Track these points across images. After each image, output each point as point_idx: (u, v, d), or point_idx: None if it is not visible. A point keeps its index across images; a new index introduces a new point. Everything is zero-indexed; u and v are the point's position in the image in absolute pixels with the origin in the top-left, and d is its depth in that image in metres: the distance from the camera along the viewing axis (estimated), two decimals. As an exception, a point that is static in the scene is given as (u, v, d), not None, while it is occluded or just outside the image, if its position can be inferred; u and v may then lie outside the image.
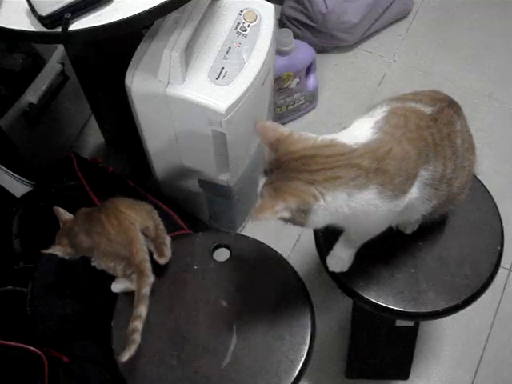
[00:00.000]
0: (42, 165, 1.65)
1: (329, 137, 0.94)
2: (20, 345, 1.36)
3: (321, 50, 2.00)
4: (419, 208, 1.03)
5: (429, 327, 1.61)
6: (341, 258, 1.15)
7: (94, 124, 1.93)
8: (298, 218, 0.91)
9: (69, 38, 1.05)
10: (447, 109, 1.01)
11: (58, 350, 1.42)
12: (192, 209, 1.66)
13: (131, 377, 1.10)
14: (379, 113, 0.98)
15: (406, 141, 0.94)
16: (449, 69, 1.98)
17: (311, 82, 1.86)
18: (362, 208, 0.93)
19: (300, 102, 1.87)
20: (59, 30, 1.04)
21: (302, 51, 1.76)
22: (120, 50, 1.42)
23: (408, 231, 1.18)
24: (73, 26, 1.04)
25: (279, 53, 1.70)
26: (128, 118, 1.49)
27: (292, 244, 1.74)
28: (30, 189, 1.60)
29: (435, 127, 0.98)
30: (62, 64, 1.67)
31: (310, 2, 1.92)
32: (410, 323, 1.42)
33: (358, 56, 2.05)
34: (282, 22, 2.05)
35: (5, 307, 1.50)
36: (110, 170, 1.60)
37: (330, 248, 1.17)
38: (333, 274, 1.18)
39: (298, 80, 1.79)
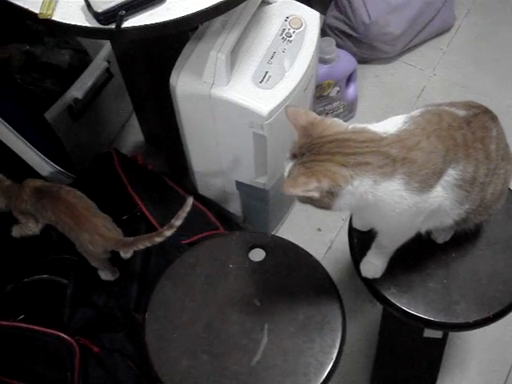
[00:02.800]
0: (83, 159, 1.69)
1: (360, 125, 0.97)
2: (54, 332, 1.40)
3: (361, 61, 2.01)
4: (450, 212, 1.04)
5: (456, 341, 1.61)
6: (374, 264, 1.17)
7: (134, 122, 1.97)
8: (325, 199, 0.92)
9: (121, 35, 1.09)
10: (482, 114, 1.03)
11: (90, 340, 1.46)
12: (226, 210, 1.69)
13: (162, 368, 1.12)
14: (414, 112, 1.01)
15: (435, 137, 0.96)
16: (488, 85, 1.98)
17: (351, 91, 1.88)
18: (387, 198, 0.94)
19: (339, 111, 1.89)
20: (113, 26, 1.07)
21: (344, 60, 1.78)
22: (165, 51, 1.45)
23: (440, 240, 1.18)
24: (126, 24, 1.08)
25: (321, 61, 1.72)
26: (169, 118, 1.52)
27: (324, 251, 1.75)
28: (70, 182, 1.63)
29: (468, 129, 1.00)
30: (108, 62, 1.71)
31: (353, 13, 1.94)
32: (439, 335, 1.42)
33: (399, 68, 2.06)
34: (324, 31, 2.07)
35: (40, 295, 1.55)
36: (150, 167, 1.63)
37: (363, 254, 1.18)
38: (365, 280, 1.19)
39: (338, 89, 1.81)
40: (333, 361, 1.12)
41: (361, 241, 1.21)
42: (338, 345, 1.14)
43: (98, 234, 1.34)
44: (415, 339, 1.42)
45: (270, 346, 1.13)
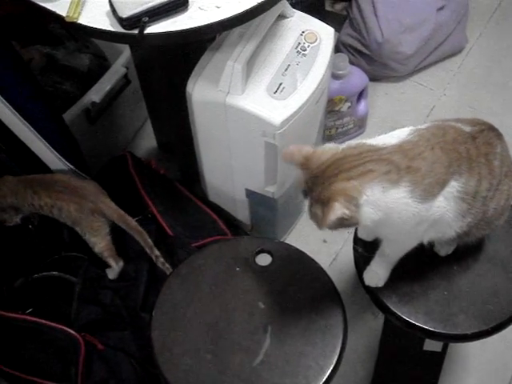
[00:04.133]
0: (97, 162, 1.74)
1: (354, 142, 1.01)
2: (60, 326, 1.43)
3: (373, 78, 2.05)
4: (453, 224, 1.06)
5: (456, 356, 1.63)
6: (377, 273, 1.19)
7: (149, 129, 2.01)
8: (354, 214, 0.94)
9: (144, 40, 1.13)
10: (487, 131, 1.07)
11: (95, 337, 1.49)
12: (235, 217, 1.72)
13: (165, 365, 1.15)
14: (420, 126, 1.06)
15: (439, 148, 1.00)
16: (498, 107, 2.01)
17: (362, 107, 1.92)
18: (395, 206, 0.97)
19: (349, 126, 1.93)
20: (136, 32, 1.12)
21: (356, 77, 1.82)
22: (183, 60, 1.50)
23: (442, 253, 1.21)
24: (148, 30, 1.12)
25: (334, 76, 1.76)
26: (183, 126, 1.56)
27: (329, 262, 1.78)
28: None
29: (473, 144, 1.03)
30: (126, 68, 1.76)
31: (367, 31, 1.99)
32: (438, 348, 1.45)
33: (409, 87, 2.10)
34: (338, 47, 2.11)
35: (49, 291, 1.58)
36: (162, 172, 1.68)
37: (367, 263, 1.21)
38: (368, 288, 1.22)
39: (349, 104, 1.85)
40: (333, 365, 1.15)
41: (365, 250, 1.24)
42: (338, 350, 1.17)
43: (102, 202, 1.42)
44: (415, 352, 1.45)
45: (272, 348, 1.16)
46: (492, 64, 2.16)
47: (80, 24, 1.15)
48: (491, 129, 1.08)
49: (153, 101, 1.86)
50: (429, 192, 0.98)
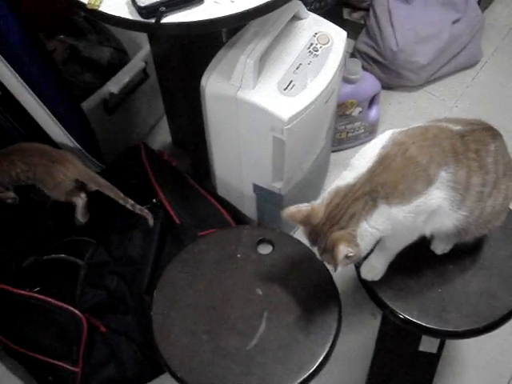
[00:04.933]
0: (112, 152, 1.79)
1: (333, 186, 1.08)
2: (66, 306, 1.48)
3: (387, 87, 2.09)
4: (450, 214, 1.09)
5: (451, 360, 1.65)
6: (374, 267, 1.22)
7: (165, 125, 2.06)
8: (357, 252, 1.06)
9: (160, 29, 1.18)
10: (480, 131, 1.10)
11: (98, 320, 1.53)
12: (242, 212, 1.76)
13: (163, 343, 1.19)
14: (398, 130, 1.11)
15: (414, 147, 1.04)
16: (508, 120, 2.03)
17: (373, 113, 1.95)
18: (385, 223, 1.05)
19: (360, 131, 1.97)
20: (152, 21, 1.17)
21: (368, 82, 1.86)
22: (200, 57, 1.54)
23: (439, 251, 1.24)
24: (165, 19, 1.17)
25: (346, 80, 1.80)
26: (198, 123, 1.60)
27: (331, 262, 1.81)
28: (98, 171, 1.73)
29: (460, 141, 1.07)
30: (145, 63, 1.81)
31: (383, 40, 2.03)
32: (433, 349, 1.47)
33: (422, 97, 2.14)
34: (353, 55, 2.16)
35: (56, 272, 1.63)
36: (174, 164, 1.72)
37: (365, 258, 1.24)
38: (364, 282, 1.25)
39: (360, 109, 1.89)
40: (325, 352, 1.18)
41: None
42: (331, 339, 1.19)
43: (70, 163, 1.53)
44: (410, 352, 1.47)
45: (266, 333, 1.19)
46: (506, 79, 2.19)
47: (101, 12, 1.20)
48: (485, 129, 1.11)
49: (169, 97, 1.91)
50: (409, 193, 1.03)
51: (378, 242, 1.16)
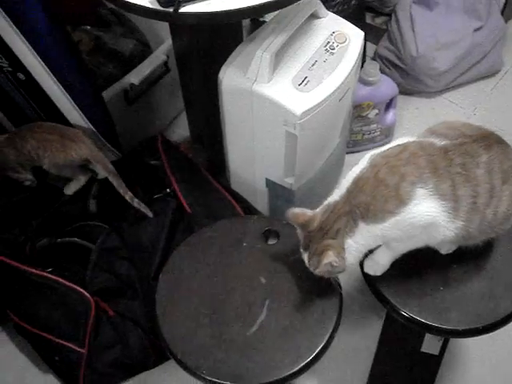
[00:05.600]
0: (130, 143, 1.82)
1: (328, 199, 1.16)
2: (76, 287, 1.51)
3: (405, 92, 2.11)
4: (447, 225, 1.10)
5: (454, 363, 1.65)
6: (377, 263, 1.23)
7: (184, 119, 2.08)
8: (340, 264, 1.13)
9: (178, 18, 1.21)
10: (470, 144, 1.10)
11: (107, 304, 1.56)
12: (254, 207, 1.78)
13: (165, 326, 1.21)
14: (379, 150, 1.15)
15: (384, 170, 1.08)
16: (526, 132, 2.04)
17: (390, 116, 1.97)
18: (367, 238, 1.12)
19: (375, 134, 1.98)
20: (171, 9, 1.20)
21: (385, 85, 1.88)
22: (219, 53, 1.57)
23: (443, 251, 1.25)
24: (183, 9, 1.21)
25: (363, 82, 1.82)
26: (215, 119, 1.63)
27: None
28: (115, 159, 1.77)
29: (441, 156, 1.08)
30: (167, 56, 1.85)
31: (403, 45, 2.05)
32: (435, 351, 1.47)
33: (440, 104, 2.14)
34: (374, 59, 2.17)
35: (69, 255, 1.67)
36: (190, 155, 1.75)
37: (370, 252, 1.26)
38: (367, 276, 1.26)
39: (376, 111, 1.90)
40: (323, 343, 1.18)
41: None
42: (330, 330, 1.20)
43: (83, 143, 1.58)
44: (412, 352, 1.48)
45: (267, 321, 1.21)
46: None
47: (122, 0, 1.24)
48: (478, 140, 1.10)
49: (189, 91, 1.94)
50: (383, 211, 1.07)
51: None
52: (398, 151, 1.11)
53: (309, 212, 1.17)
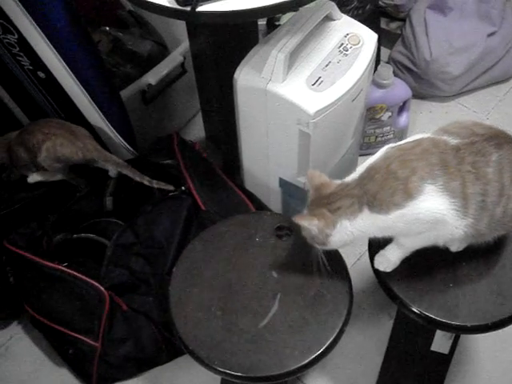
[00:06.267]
0: (147, 142, 1.86)
1: (341, 181, 1.19)
2: (91, 281, 1.54)
3: (419, 96, 2.13)
4: (455, 223, 1.12)
5: (463, 363, 1.66)
6: (387, 259, 1.25)
7: (200, 120, 2.13)
8: (320, 237, 1.16)
9: (195, 17, 1.24)
10: (482, 142, 1.11)
11: (121, 298, 1.59)
12: (268, 207, 1.80)
13: (178, 318, 1.24)
14: (395, 144, 1.18)
15: (397, 163, 1.10)
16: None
17: (403, 119, 1.99)
18: (366, 226, 1.14)
19: (388, 136, 2.00)
20: (188, 8, 1.23)
21: (399, 88, 1.90)
22: (235, 54, 1.60)
23: (453, 249, 1.26)
24: (200, 8, 1.24)
25: (377, 85, 1.84)
26: (231, 120, 1.66)
27: (353, 261, 1.84)
28: (131, 157, 1.80)
29: (453, 154, 1.10)
30: (184, 58, 1.89)
31: (417, 49, 2.07)
32: (445, 350, 1.49)
33: (453, 108, 2.16)
34: (388, 63, 2.19)
35: (84, 251, 1.70)
36: (205, 155, 1.78)
37: (380, 248, 1.28)
38: (377, 272, 1.28)
39: (390, 114, 1.92)
40: (332, 338, 1.20)
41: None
42: (340, 325, 1.22)
43: (89, 142, 1.63)
44: (422, 352, 1.49)
45: (278, 314, 1.23)
46: (540, 96, 2.20)
47: (141, -1, 1.27)
48: (490, 138, 1.12)
49: (205, 92, 1.97)
50: (388, 203, 1.09)
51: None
52: (411, 146, 1.13)
53: (327, 179, 1.20)
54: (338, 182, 1.19)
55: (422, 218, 1.10)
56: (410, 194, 1.09)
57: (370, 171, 1.13)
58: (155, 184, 1.64)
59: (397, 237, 1.23)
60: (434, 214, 1.10)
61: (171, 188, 1.64)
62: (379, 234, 1.18)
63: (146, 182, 1.64)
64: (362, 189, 1.13)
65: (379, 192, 1.10)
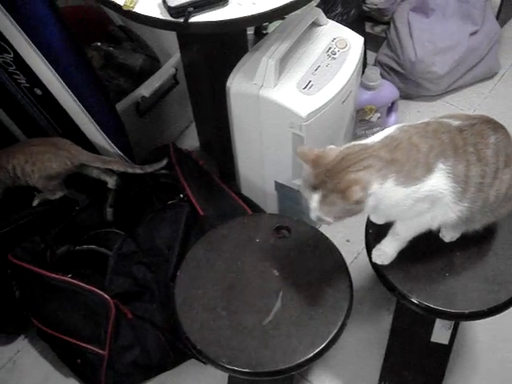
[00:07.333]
0: (143, 152, 1.89)
1: (348, 144, 1.15)
2: (96, 290, 1.56)
3: (406, 96, 2.18)
4: (452, 206, 1.16)
5: (463, 356, 1.69)
6: (385, 252, 1.29)
7: (193, 130, 2.16)
8: (365, 200, 1.08)
9: (188, 28, 1.29)
10: (480, 124, 1.16)
11: (126, 306, 1.62)
12: (264, 210, 1.84)
13: (184, 319, 1.27)
14: (406, 123, 1.19)
15: (417, 137, 1.11)
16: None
17: (392, 120, 2.04)
18: (387, 195, 1.10)
19: (379, 137, 2.04)
20: (181, 20, 1.28)
21: (386, 89, 1.95)
22: (226, 64, 1.65)
23: (447, 239, 1.30)
24: (192, 19, 1.29)
25: (365, 87, 1.89)
26: (224, 128, 1.70)
27: (350, 260, 1.87)
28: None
29: (458, 135, 1.14)
30: (176, 69, 1.93)
31: (402, 51, 2.12)
32: (445, 341, 1.52)
33: (440, 107, 2.21)
34: (375, 66, 2.24)
35: (87, 262, 1.73)
36: (201, 163, 1.82)
37: (377, 243, 1.32)
38: (375, 266, 1.32)
39: (379, 115, 1.97)
40: (335, 331, 1.25)
41: (375, 232, 1.34)
42: (342, 318, 1.27)
43: (74, 150, 1.66)
44: (422, 343, 1.53)
45: (281, 311, 1.27)
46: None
47: (135, 12, 1.32)
48: (485, 122, 1.17)
49: (197, 102, 2.02)
50: (411, 176, 1.10)
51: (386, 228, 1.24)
52: (423, 125, 1.15)
53: (317, 149, 1.13)
54: (337, 147, 1.13)
55: (429, 195, 1.12)
56: (429, 170, 1.10)
57: (391, 142, 1.11)
58: (148, 169, 1.69)
59: (394, 226, 1.25)
60: (437, 192, 1.12)
61: (164, 163, 1.69)
62: (382, 211, 1.15)
63: (138, 171, 1.69)
64: (391, 155, 1.09)
65: (406, 163, 1.09)
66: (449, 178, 1.12)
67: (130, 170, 1.68)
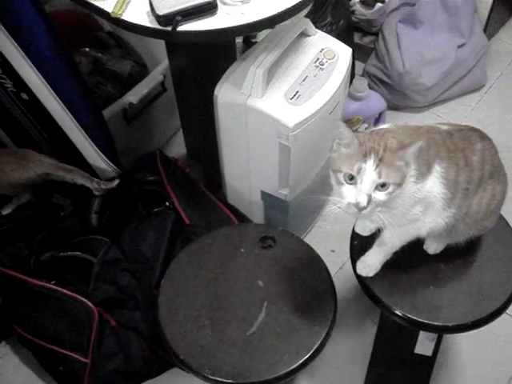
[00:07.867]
0: (129, 159, 1.89)
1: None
2: (79, 297, 1.56)
3: (394, 107, 2.19)
4: (441, 212, 1.16)
5: (447, 367, 1.70)
6: (369, 264, 1.29)
7: (180, 138, 2.16)
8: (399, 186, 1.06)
9: (175, 36, 1.28)
10: (467, 131, 1.17)
11: (109, 314, 1.61)
12: (250, 219, 1.84)
13: (168, 328, 1.27)
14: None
15: (415, 136, 1.10)
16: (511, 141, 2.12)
17: (379, 131, 2.04)
18: (408, 190, 1.08)
19: (366, 147, 2.05)
20: (169, 28, 1.28)
21: (374, 100, 1.96)
22: (213, 72, 1.65)
23: (431, 251, 1.31)
24: (180, 28, 1.28)
25: (353, 98, 1.90)
26: (211, 136, 1.70)
27: (335, 270, 1.88)
28: (115, 175, 1.82)
29: (448, 138, 1.14)
30: (164, 76, 1.93)
31: (390, 62, 2.13)
32: (428, 352, 1.53)
33: (428, 118, 2.23)
34: (363, 77, 2.25)
35: (71, 269, 1.72)
36: (187, 171, 1.82)
37: (361, 255, 1.32)
38: (360, 278, 1.32)
39: (366, 125, 1.98)
40: (319, 342, 1.24)
41: (360, 244, 1.35)
42: (326, 329, 1.26)
43: (38, 159, 1.67)
44: (406, 354, 1.53)
45: (265, 321, 1.27)
46: (509, 102, 2.27)
47: (123, 20, 1.31)
48: (472, 129, 1.19)
49: (185, 110, 2.02)
50: (419, 172, 1.08)
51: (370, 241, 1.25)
52: (416, 126, 1.15)
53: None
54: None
55: (426, 199, 1.12)
56: (429, 168, 1.10)
57: (406, 129, 1.11)
58: (103, 185, 1.70)
59: (382, 235, 1.24)
60: (434, 196, 1.12)
61: (114, 184, 1.71)
62: (391, 205, 1.10)
63: (95, 185, 1.70)
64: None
65: (417, 158, 1.06)
66: (441, 183, 1.12)
67: (87, 184, 1.70)
